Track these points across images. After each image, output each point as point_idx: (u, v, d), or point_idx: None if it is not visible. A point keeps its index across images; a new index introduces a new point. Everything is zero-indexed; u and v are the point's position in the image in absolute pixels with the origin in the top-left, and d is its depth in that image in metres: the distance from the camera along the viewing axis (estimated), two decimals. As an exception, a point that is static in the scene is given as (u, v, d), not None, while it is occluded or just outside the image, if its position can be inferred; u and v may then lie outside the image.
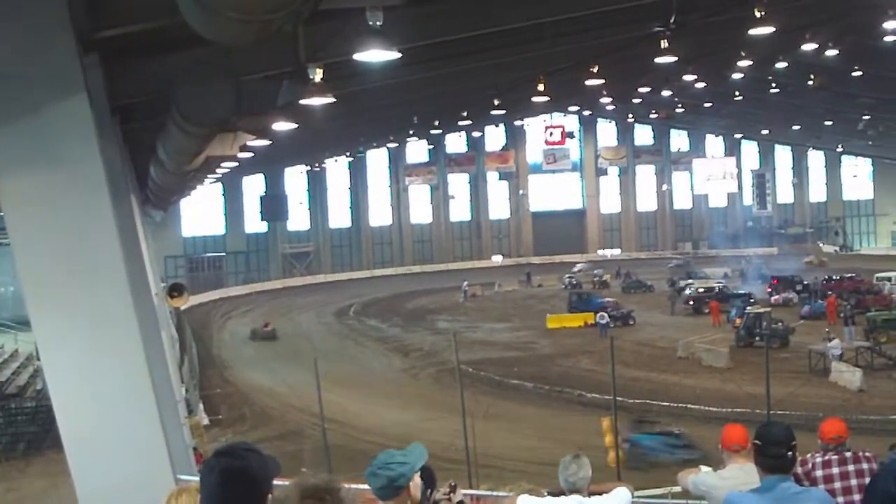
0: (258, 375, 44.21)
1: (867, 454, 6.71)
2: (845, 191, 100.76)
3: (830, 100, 61.71)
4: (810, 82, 51.77)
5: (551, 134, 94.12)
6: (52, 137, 9.56)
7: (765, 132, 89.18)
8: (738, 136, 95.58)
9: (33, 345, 29.13)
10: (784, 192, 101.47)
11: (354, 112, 35.63)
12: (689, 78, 45.73)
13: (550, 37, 23.11)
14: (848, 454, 6.64)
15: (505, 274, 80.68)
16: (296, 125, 20.12)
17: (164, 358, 16.73)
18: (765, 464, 5.12)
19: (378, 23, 11.69)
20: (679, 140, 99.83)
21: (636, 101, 65.25)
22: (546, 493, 6.20)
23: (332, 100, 15.66)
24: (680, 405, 34.07)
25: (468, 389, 28.41)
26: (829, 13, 33.43)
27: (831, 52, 40.27)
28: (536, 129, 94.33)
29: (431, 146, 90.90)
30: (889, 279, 58.08)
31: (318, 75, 14.44)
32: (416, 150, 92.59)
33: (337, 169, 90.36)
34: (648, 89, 54.72)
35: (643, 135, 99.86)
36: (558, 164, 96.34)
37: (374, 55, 12.96)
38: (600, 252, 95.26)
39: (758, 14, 21.52)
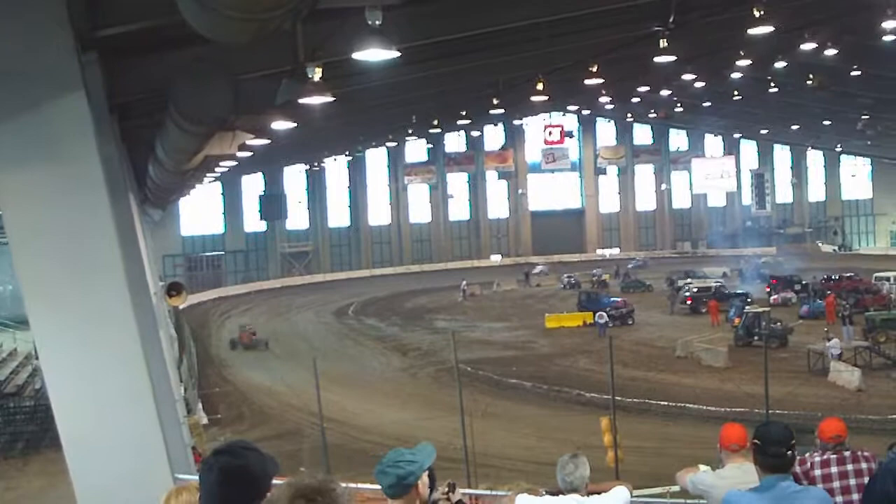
0: (257, 374, 44.22)
1: (866, 454, 6.70)
2: (844, 190, 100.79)
3: (829, 99, 61.70)
4: (809, 82, 51.78)
5: (550, 133, 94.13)
6: (51, 135, 9.56)
7: (764, 132, 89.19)
8: (737, 135, 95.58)
9: (32, 344, 29.11)
10: (783, 192, 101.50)
11: (353, 111, 35.61)
12: (688, 77, 45.69)
13: (548, 36, 23.10)
14: (847, 454, 6.64)
15: (504, 273, 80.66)
16: (295, 124, 20.11)
17: (162, 357, 16.72)
18: (764, 463, 5.13)
19: (377, 22, 11.67)
20: (678, 139, 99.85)
21: (635, 100, 65.15)
22: (544, 493, 6.19)
23: (331, 99, 15.64)
24: (678, 405, 34.13)
25: (467, 389, 28.46)
26: (828, 13, 33.41)
27: (830, 52, 40.23)
28: (535, 128, 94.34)
29: (430, 145, 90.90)
30: (888, 279, 58.07)
31: (316, 74, 14.41)
32: (415, 150, 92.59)
33: (336, 168, 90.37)
34: (647, 89, 54.68)
35: (642, 134, 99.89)
36: (557, 164, 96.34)
37: (373, 54, 12.94)
38: (599, 251, 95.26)
39: (757, 13, 21.50)
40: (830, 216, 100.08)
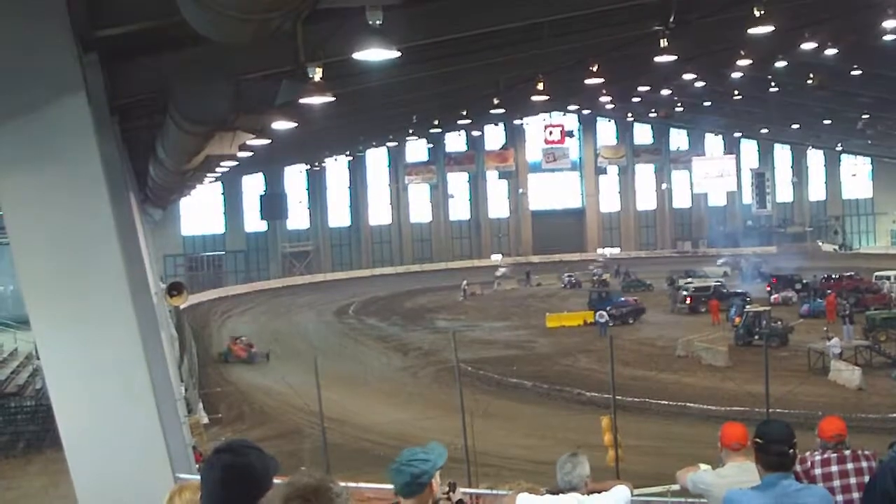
0: (257, 374, 44.19)
1: (866, 453, 6.70)
2: (844, 190, 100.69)
3: (830, 99, 61.74)
4: (810, 81, 51.81)
5: (551, 133, 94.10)
6: (51, 136, 9.57)
7: (764, 131, 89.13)
8: (737, 134, 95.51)
9: (32, 344, 29.12)
10: (783, 191, 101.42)
11: (354, 111, 35.64)
12: (688, 77, 45.77)
13: (548, 36, 23.13)
14: (847, 453, 6.64)
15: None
16: (295, 124, 20.11)
17: (163, 357, 16.73)
18: (766, 461, 5.14)
19: (377, 22, 11.69)
20: (678, 139, 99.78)
21: (636, 100, 65.19)
22: (545, 492, 6.20)
23: (332, 99, 15.65)
24: (679, 404, 34.13)
25: (467, 388, 28.43)
26: (829, 12, 33.41)
27: (830, 52, 40.26)
28: (536, 128, 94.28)
29: (431, 145, 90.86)
30: (888, 278, 58.07)
31: (317, 74, 14.42)
32: (416, 149, 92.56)
33: (336, 168, 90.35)
34: (648, 88, 54.72)
35: (642, 134, 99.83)
36: (558, 163, 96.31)
37: (374, 54, 12.96)
38: (599, 251, 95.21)
39: (757, 13, 21.50)
40: (831, 215, 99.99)
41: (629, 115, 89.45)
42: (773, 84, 56.13)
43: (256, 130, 21.84)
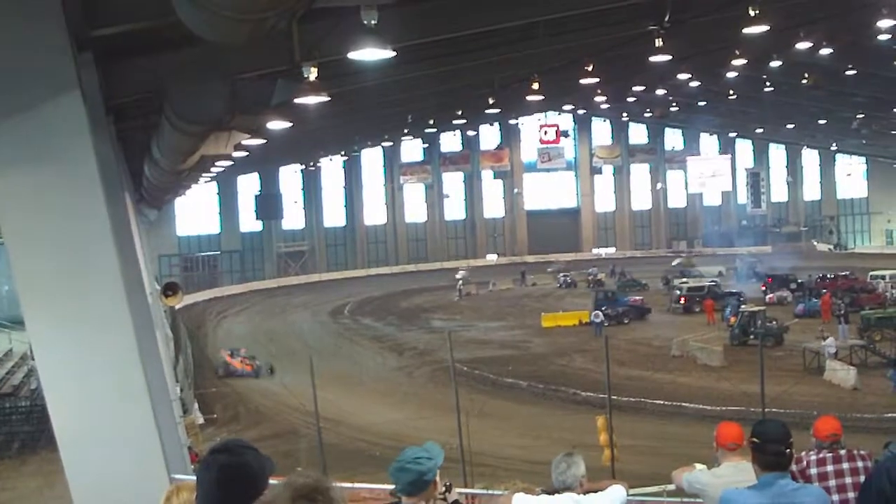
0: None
1: (862, 452, 6.71)
2: (839, 189, 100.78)
3: (824, 98, 61.81)
4: (804, 81, 51.84)
5: (546, 133, 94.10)
6: (46, 136, 9.54)
7: (759, 131, 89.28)
8: (732, 134, 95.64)
9: (27, 344, 29.10)
10: (778, 191, 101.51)
11: (349, 111, 35.63)
12: (683, 76, 45.78)
13: (543, 35, 23.13)
14: (842, 452, 6.65)
15: (499, 273, 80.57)
16: (290, 124, 20.14)
17: (158, 357, 16.72)
18: (763, 461, 5.14)
19: (372, 21, 11.67)
20: (673, 139, 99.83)
21: (630, 99, 65.29)
22: (540, 492, 6.20)
23: (327, 98, 15.64)
24: (674, 404, 34.16)
25: (463, 388, 28.48)
26: (824, 12, 33.46)
27: (825, 51, 40.37)
28: (531, 127, 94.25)
29: (426, 145, 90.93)
30: (883, 277, 58.18)
31: (312, 74, 14.41)
32: (411, 149, 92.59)
33: (331, 168, 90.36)
34: (643, 88, 54.76)
35: (637, 133, 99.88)
36: (553, 163, 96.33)
37: (369, 54, 12.95)
38: (595, 251, 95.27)
39: (752, 13, 21.52)
40: (826, 215, 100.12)
41: (624, 114, 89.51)
42: (767, 84, 56.17)
43: (252, 130, 21.86)
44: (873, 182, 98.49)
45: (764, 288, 59.04)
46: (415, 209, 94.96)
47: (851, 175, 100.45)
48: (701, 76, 49.89)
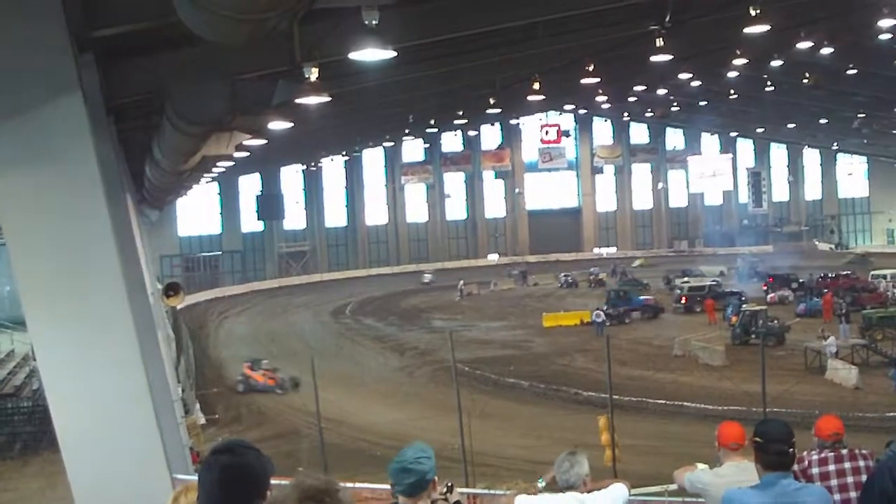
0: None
1: (863, 452, 6.71)
2: (840, 189, 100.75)
3: (825, 98, 61.80)
4: (805, 81, 51.82)
5: (547, 133, 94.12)
6: (47, 137, 9.55)
7: (760, 130, 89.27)
8: (733, 134, 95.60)
9: (29, 345, 29.10)
10: (779, 190, 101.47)
11: (350, 111, 35.63)
12: (684, 76, 45.76)
13: (543, 35, 23.12)
14: (844, 452, 6.65)
15: (501, 273, 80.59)
16: (291, 124, 20.13)
17: (160, 357, 16.73)
18: (766, 461, 5.14)
19: (373, 22, 11.67)
20: (675, 138, 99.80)
21: (632, 99, 65.29)
22: (541, 481, 6.20)
23: (328, 99, 15.65)
24: (676, 403, 34.13)
25: (464, 388, 28.44)
26: (824, 12, 33.45)
27: (826, 51, 40.34)
28: (532, 127, 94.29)
29: (427, 145, 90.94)
30: (884, 277, 58.17)
31: (313, 74, 14.41)
32: (412, 149, 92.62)
33: (333, 168, 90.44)
34: (644, 88, 54.77)
35: (639, 133, 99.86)
36: (554, 163, 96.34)
37: (370, 54, 12.95)
38: (596, 251, 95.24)
39: (753, 12, 21.51)
40: (827, 214, 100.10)
41: (625, 114, 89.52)
42: (768, 83, 56.18)
43: (253, 131, 21.84)
44: (874, 181, 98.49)
45: (765, 287, 59.03)
46: (416, 209, 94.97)
47: (852, 174, 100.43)
48: (702, 76, 49.88)
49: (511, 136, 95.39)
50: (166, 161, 24.55)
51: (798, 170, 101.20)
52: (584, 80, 32.02)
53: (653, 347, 45.34)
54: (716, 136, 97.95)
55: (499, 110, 45.80)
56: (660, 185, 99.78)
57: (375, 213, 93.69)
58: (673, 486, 8.10)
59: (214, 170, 43.23)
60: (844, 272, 60.94)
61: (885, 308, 47.77)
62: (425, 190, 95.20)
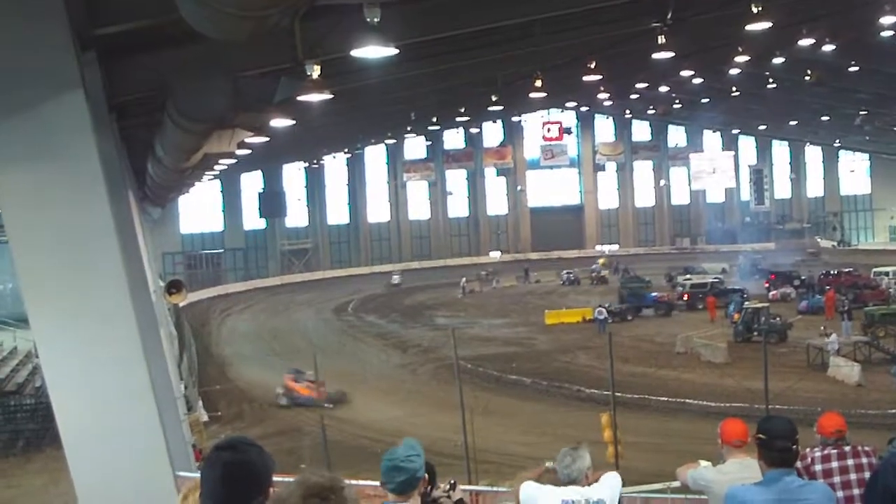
0: (257, 372, 44.21)
1: (866, 449, 6.71)
2: (843, 186, 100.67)
3: (827, 95, 61.76)
4: (807, 78, 51.77)
5: (549, 130, 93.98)
6: (50, 134, 9.55)
7: (762, 127, 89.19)
8: (735, 131, 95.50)
9: (32, 342, 29.14)
10: (781, 188, 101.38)
11: (352, 108, 35.61)
12: (686, 73, 45.75)
13: (546, 33, 23.12)
14: (847, 449, 6.64)
15: (503, 269, 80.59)
16: (293, 121, 20.14)
17: (162, 355, 16.75)
18: (770, 458, 5.14)
19: (375, 19, 11.67)
20: (676, 136, 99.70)
21: (634, 96, 65.20)
22: (550, 462, 6.20)
23: (330, 96, 15.65)
24: (678, 400, 34.14)
25: (467, 385, 28.45)
26: (826, 8, 33.43)
27: (828, 48, 40.25)
28: (534, 125, 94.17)
29: (429, 142, 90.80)
30: (887, 274, 58.17)
31: (315, 71, 14.41)
32: (414, 147, 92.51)
33: (335, 165, 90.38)
34: (646, 85, 54.72)
35: (641, 130, 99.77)
36: (556, 160, 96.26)
37: (372, 51, 12.96)
38: (598, 248, 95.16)
39: (755, 9, 21.50)
40: (829, 211, 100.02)
41: (627, 111, 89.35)
42: (770, 80, 56.14)
43: (255, 128, 21.85)
44: (876, 178, 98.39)
45: (767, 285, 59.03)
46: (418, 206, 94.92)
47: (855, 171, 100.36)
48: (704, 73, 49.82)
49: (513, 134, 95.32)
50: (168, 158, 24.57)
51: (800, 167, 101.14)
52: (586, 78, 31.99)
53: (655, 344, 45.36)
54: (718, 133, 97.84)
55: (501, 107, 45.83)
56: (662, 183, 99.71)
57: (377, 210, 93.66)
58: (676, 484, 8.11)
59: (216, 167, 43.28)
60: (847, 269, 60.89)
61: (887, 305, 47.76)
62: (427, 187, 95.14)
